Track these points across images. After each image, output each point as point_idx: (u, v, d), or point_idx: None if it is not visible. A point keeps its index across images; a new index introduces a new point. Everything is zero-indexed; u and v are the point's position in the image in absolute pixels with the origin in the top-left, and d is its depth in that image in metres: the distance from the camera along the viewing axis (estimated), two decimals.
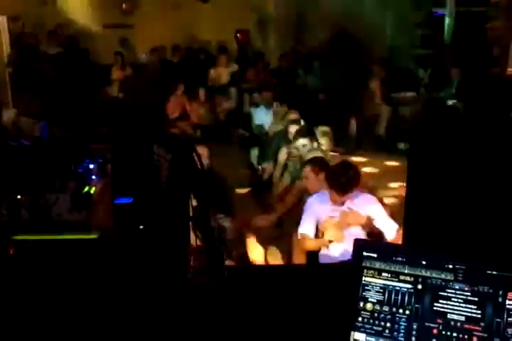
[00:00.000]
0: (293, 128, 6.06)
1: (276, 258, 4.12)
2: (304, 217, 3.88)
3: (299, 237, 3.84)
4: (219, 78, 9.42)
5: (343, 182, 3.68)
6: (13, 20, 8.41)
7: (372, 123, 8.11)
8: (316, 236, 3.84)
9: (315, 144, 5.65)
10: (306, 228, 3.82)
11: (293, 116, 6.80)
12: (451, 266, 1.39)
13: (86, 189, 1.53)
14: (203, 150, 4.24)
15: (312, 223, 3.83)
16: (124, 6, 10.52)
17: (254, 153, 6.94)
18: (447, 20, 9.73)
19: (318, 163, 4.44)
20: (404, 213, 1.79)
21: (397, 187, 5.75)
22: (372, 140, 8.01)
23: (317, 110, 7.45)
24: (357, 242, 1.52)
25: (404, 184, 1.78)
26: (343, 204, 3.76)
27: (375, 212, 3.77)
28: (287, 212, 4.88)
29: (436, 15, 9.93)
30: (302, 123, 6.29)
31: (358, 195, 3.81)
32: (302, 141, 5.60)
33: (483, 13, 9.15)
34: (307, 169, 4.44)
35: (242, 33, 10.65)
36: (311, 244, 3.82)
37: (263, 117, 7.69)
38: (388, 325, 1.41)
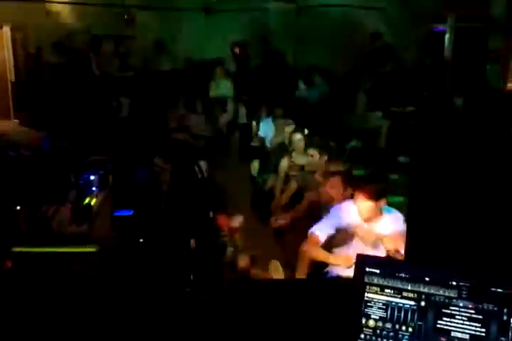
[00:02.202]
0: (295, 138, 6.10)
1: (278, 272, 4.05)
2: (324, 219, 3.64)
3: (308, 237, 3.55)
4: (217, 90, 9.44)
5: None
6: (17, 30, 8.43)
7: (373, 136, 8.13)
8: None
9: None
10: (320, 229, 3.54)
11: (294, 129, 6.78)
12: (455, 283, 1.37)
13: (86, 200, 1.51)
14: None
15: (330, 227, 3.54)
16: (126, 16, 10.53)
17: (255, 165, 6.93)
18: (447, 36, 9.78)
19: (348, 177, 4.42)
20: (407, 229, 1.78)
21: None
22: (372, 153, 8.00)
23: (316, 123, 7.46)
24: (359, 258, 1.51)
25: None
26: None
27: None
28: (297, 218, 4.85)
29: (436, 30, 9.97)
30: (304, 133, 6.32)
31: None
32: (312, 152, 5.73)
33: (484, 29, 9.20)
34: (336, 179, 4.39)
35: (240, 46, 10.53)
36: (314, 253, 3.54)
37: (266, 129, 7.70)
38: None
